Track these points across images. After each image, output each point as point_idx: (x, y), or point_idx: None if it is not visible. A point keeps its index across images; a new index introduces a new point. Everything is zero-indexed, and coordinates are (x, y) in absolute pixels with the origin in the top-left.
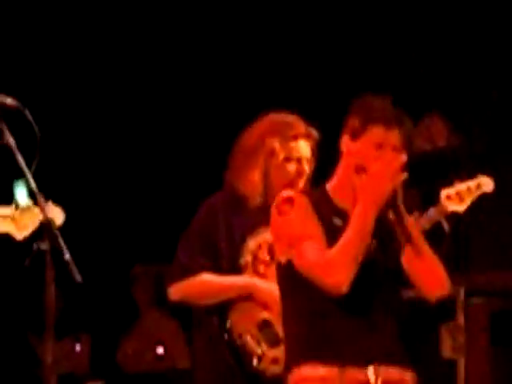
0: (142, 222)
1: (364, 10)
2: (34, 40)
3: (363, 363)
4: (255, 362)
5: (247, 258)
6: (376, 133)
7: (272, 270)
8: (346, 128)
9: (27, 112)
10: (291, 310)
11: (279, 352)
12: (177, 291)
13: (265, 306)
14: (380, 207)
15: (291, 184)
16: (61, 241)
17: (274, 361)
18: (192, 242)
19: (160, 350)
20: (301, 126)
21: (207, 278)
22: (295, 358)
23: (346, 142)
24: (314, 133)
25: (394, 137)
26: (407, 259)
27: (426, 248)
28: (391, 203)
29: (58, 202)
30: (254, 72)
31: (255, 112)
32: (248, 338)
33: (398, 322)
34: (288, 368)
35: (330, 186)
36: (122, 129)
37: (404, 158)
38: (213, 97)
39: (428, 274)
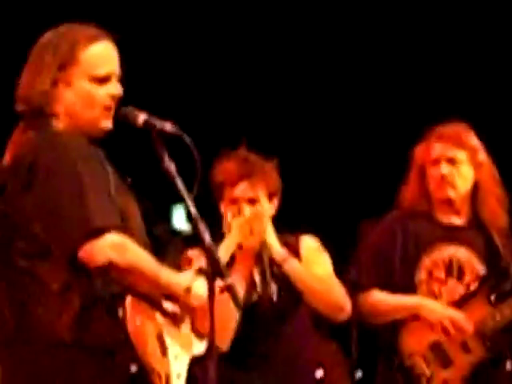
0: None
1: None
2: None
3: None
4: (423, 383)
5: (422, 275)
6: (227, 193)
7: (447, 289)
8: (213, 191)
9: (186, 137)
10: None
11: (450, 374)
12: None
13: (434, 327)
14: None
15: None
16: (223, 266)
17: (444, 382)
18: (365, 258)
19: (319, 373)
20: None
21: (378, 296)
22: None
23: (220, 205)
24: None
25: (244, 190)
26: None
27: (310, 281)
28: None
29: None
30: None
31: None
32: (418, 358)
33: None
34: None
35: None
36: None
37: (259, 209)
38: None
39: (322, 301)
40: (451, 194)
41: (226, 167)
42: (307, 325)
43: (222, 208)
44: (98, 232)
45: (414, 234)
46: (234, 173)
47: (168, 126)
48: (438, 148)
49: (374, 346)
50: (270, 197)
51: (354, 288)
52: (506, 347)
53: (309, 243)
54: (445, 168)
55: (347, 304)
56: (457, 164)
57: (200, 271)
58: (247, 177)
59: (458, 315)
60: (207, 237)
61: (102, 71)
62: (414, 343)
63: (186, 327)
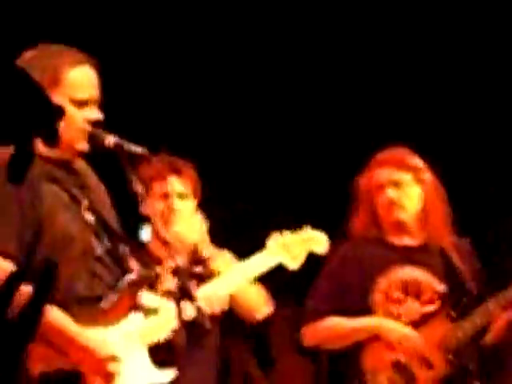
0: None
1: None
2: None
3: None
4: None
5: (378, 297)
6: (157, 187)
7: (406, 309)
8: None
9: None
10: None
11: None
12: (309, 336)
13: (394, 346)
14: None
15: None
16: (190, 284)
17: None
18: (321, 286)
19: None
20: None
21: (335, 321)
22: None
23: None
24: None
25: (174, 184)
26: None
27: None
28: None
29: None
30: None
31: None
32: (382, 378)
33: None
34: None
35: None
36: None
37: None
38: None
39: (243, 300)
40: (401, 215)
41: (155, 163)
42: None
43: (149, 204)
44: None
45: (367, 258)
46: (164, 167)
47: (136, 148)
48: (381, 173)
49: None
50: (194, 195)
51: (312, 315)
52: (469, 362)
53: (228, 257)
54: (391, 192)
55: (266, 306)
56: (402, 186)
57: (169, 293)
58: (177, 172)
59: (413, 333)
60: (177, 258)
61: (82, 95)
62: (377, 363)
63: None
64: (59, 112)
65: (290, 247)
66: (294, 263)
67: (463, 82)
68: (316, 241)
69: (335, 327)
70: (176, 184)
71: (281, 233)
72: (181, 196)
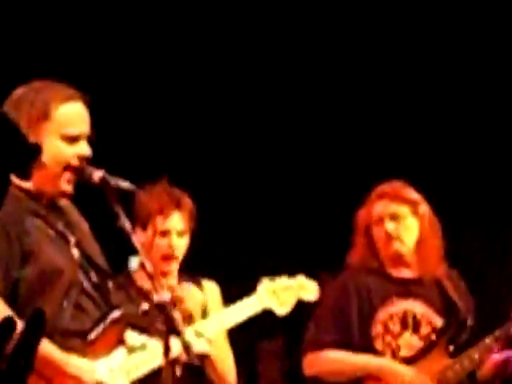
0: None
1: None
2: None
3: None
4: None
5: (378, 329)
6: (158, 221)
7: (404, 342)
8: (136, 220)
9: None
10: None
11: None
12: (309, 366)
13: None
14: None
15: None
16: (179, 323)
17: None
18: (321, 316)
19: None
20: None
21: (336, 356)
22: None
23: (138, 233)
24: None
25: (175, 221)
26: None
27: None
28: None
29: None
30: None
31: None
32: None
33: None
34: None
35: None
36: None
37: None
38: None
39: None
40: (400, 248)
41: (158, 196)
42: None
43: (146, 236)
44: None
45: (367, 289)
46: (166, 202)
47: (123, 183)
48: (379, 206)
49: None
50: (190, 231)
51: (314, 345)
52: None
53: (213, 291)
54: (389, 224)
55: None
56: (400, 219)
57: (156, 330)
58: (178, 207)
59: (417, 376)
60: (163, 293)
61: (73, 131)
62: None
63: None
64: (35, 150)
65: (280, 293)
66: (281, 309)
67: (457, 119)
68: (306, 289)
69: (336, 363)
70: (177, 221)
71: (271, 279)
72: (179, 234)
